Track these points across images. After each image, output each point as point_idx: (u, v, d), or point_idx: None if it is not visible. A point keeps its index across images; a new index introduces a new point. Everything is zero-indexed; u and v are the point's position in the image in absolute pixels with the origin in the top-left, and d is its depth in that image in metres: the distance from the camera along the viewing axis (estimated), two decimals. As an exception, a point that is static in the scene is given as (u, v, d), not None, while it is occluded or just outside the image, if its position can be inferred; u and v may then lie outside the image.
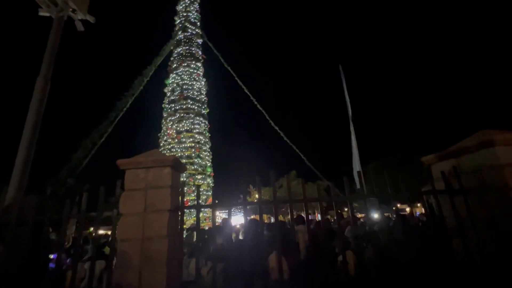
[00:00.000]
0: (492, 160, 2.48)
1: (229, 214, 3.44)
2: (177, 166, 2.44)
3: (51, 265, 3.35)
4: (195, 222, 2.89)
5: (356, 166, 10.35)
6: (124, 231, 2.15)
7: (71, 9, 4.27)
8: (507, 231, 2.32)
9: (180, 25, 18.31)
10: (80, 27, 4.52)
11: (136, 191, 2.27)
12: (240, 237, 6.04)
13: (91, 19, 4.59)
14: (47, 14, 4.20)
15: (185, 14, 18.89)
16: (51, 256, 3.86)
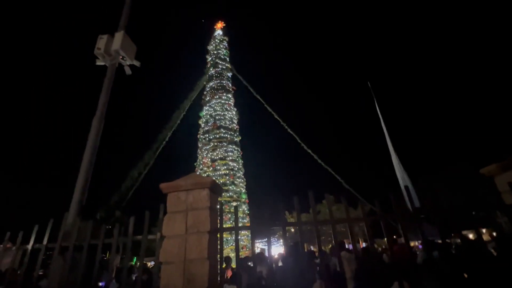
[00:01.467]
0: None
1: (269, 242, 3.32)
2: (214, 188, 2.50)
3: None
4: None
5: (402, 181, 9.46)
6: (167, 253, 2.20)
7: (121, 57, 4.94)
8: None
9: (212, 62, 19.94)
10: (128, 71, 5.18)
11: (178, 213, 2.35)
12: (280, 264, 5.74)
13: (137, 63, 5.24)
14: (103, 63, 4.91)
15: (215, 52, 20.63)
16: (100, 284, 4.06)
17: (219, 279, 2.32)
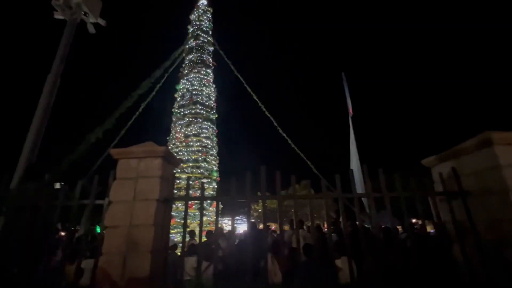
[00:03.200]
0: (492, 160, 2.38)
1: (232, 218, 3.39)
2: (169, 157, 2.49)
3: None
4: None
5: (354, 165, 10.16)
6: (113, 218, 2.19)
7: (83, 13, 4.52)
8: (507, 234, 2.20)
9: (193, 33, 18.89)
10: (91, 29, 4.76)
11: (127, 180, 2.32)
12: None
13: (102, 22, 4.82)
14: (62, 17, 4.46)
15: (198, 23, 19.51)
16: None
17: (165, 246, 2.37)
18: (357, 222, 2.94)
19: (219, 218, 2.63)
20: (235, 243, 4.97)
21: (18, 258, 2.33)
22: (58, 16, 4.47)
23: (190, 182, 2.69)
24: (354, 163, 10.12)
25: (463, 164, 2.69)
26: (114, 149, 2.39)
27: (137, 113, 14.04)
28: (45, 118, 3.63)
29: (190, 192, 2.51)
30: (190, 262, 4.35)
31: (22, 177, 2.96)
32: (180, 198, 2.54)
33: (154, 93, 14.07)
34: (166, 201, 2.42)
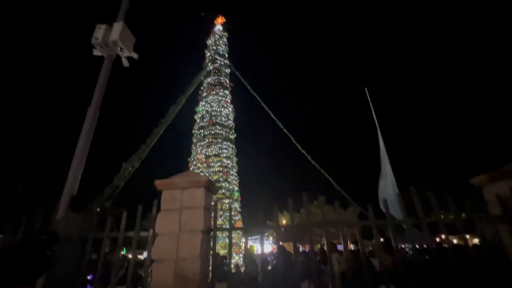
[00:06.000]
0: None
1: (262, 240, 3.32)
2: (210, 187, 2.50)
3: (88, 286, 3.47)
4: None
5: (386, 190, 9.59)
6: (160, 251, 2.19)
7: (119, 48, 4.86)
8: None
9: (210, 58, 19.76)
10: (126, 63, 5.09)
11: (172, 211, 2.34)
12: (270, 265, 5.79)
13: (135, 56, 5.15)
14: (100, 54, 4.81)
15: (214, 47, 20.46)
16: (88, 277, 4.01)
17: (210, 277, 2.32)
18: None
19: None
20: (268, 269, 4.81)
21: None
22: (97, 53, 4.83)
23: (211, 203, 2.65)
24: (389, 181, 9.67)
25: (522, 184, 2.48)
26: (158, 180, 2.44)
27: (158, 136, 14.53)
28: (86, 150, 3.82)
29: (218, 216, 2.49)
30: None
31: (67, 209, 3.07)
32: (223, 229, 2.51)
33: (174, 115, 14.59)
34: (209, 231, 2.40)
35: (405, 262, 2.41)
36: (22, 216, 2.67)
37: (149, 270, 2.39)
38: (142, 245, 2.58)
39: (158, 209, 2.42)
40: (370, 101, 11.96)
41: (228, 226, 2.36)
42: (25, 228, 2.69)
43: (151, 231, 2.39)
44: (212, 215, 2.52)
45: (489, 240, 2.61)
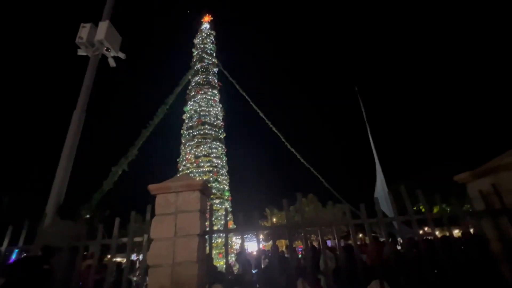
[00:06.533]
0: (537, 176, 2.31)
1: (258, 240, 3.34)
2: (205, 190, 2.49)
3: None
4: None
5: (379, 188, 9.86)
6: (156, 257, 2.16)
7: (105, 48, 4.71)
8: None
9: (198, 56, 19.50)
10: (112, 63, 4.95)
11: (166, 215, 2.30)
12: (262, 263, 5.82)
13: (122, 55, 5.02)
14: (85, 54, 4.65)
15: (202, 46, 20.20)
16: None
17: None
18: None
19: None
20: (262, 268, 4.83)
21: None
22: (81, 53, 4.67)
23: (207, 206, 2.65)
24: (378, 179, 9.92)
25: (503, 180, 2.62)
26: (152, 185, 2.40)
27: (144, 138, 14.24)
28: (72, 154, 3.69)
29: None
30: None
31: (54, 216, 2.96)
32: (219, 231, 2.50)
33: (162, 116, 14.31)
34: (205, 235, 2.39)
35: (396, 257, 2.49)
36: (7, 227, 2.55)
37: (145, 276, 2.36)
38: (122, 249, 2.54)
39: (152, 214, 2.38)
40: (360, 100, 12.15)
41: (221, 228, 2.35)
42: (10, 238, 2.57)
43: (145, 236, 2.36)
44: (207, 218, 2.51)
45: (474, 233, 2.74)
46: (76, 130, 3.84)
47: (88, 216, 2.90)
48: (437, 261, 3.03)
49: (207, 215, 2.55)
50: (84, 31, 4.54)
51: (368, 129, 11.06)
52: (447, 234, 2.79)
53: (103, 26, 4.66)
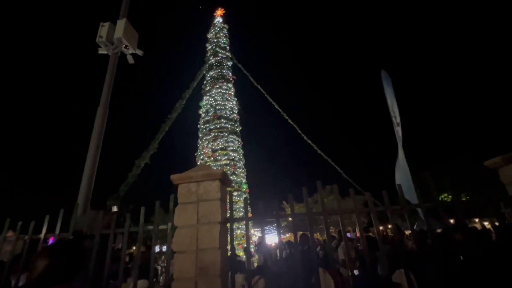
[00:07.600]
0: None
1: (278, 229, 3.36)
2: (224, 179, 2.53)
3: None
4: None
5: (401, 176, 9.46)
6: (180, 244, 2.24)
7: (124, 45, 4.85)
8: None
9: (212, 51, 19.59)
10: (131, 60, 5.10)
11: (189, 204, 2.38)
12: (283, 255, 5.88)
13: (139, 52, 5.15)
14: (105, 52, 4.82)
15: (215, 40, 20.25)
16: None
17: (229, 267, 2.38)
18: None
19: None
20: (284, 257, 4.89)
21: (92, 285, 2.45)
22: (102, 51, 4.84)
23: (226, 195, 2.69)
24: (401, 167, 9.55)
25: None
26: (174, 175, 2.47)
27: (164, 132, 14.62)
28: (99, 148, 3.88)
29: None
30: (238, 280, 4.31)
31: (86, 208, 3.16)
32: (240, 219, 2.55)
33: (180, 111, 14.61)
34: (226, 222, 2.44)
35: (423, 247, 2.41)
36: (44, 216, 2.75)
37: (171, 261, 2.46)
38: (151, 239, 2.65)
39: (175, 203, 2.46)
40: (384, 86, 11.26)
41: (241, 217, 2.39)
42: (48, 227, 2.77)
43: (169, 224, 2.45)
44: (228, 206, 2.56)
45: (508, 221, 2.59)
46: (100, 125, 4.02)
47: (116, 207, 3.05)
48: (462, 252, 2.91)
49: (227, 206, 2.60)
50: (103, 30, 4.69)
51: (397, 117, 10.37)
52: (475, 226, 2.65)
53: (121, 24, 4.79)
